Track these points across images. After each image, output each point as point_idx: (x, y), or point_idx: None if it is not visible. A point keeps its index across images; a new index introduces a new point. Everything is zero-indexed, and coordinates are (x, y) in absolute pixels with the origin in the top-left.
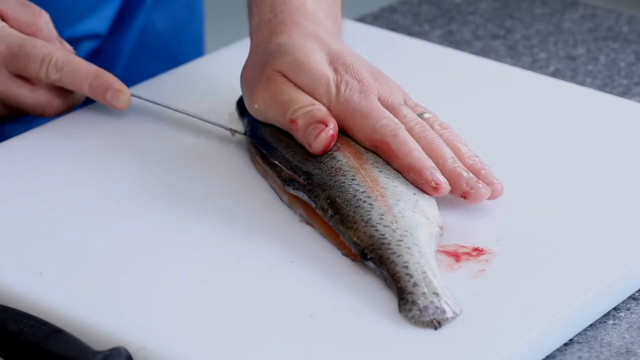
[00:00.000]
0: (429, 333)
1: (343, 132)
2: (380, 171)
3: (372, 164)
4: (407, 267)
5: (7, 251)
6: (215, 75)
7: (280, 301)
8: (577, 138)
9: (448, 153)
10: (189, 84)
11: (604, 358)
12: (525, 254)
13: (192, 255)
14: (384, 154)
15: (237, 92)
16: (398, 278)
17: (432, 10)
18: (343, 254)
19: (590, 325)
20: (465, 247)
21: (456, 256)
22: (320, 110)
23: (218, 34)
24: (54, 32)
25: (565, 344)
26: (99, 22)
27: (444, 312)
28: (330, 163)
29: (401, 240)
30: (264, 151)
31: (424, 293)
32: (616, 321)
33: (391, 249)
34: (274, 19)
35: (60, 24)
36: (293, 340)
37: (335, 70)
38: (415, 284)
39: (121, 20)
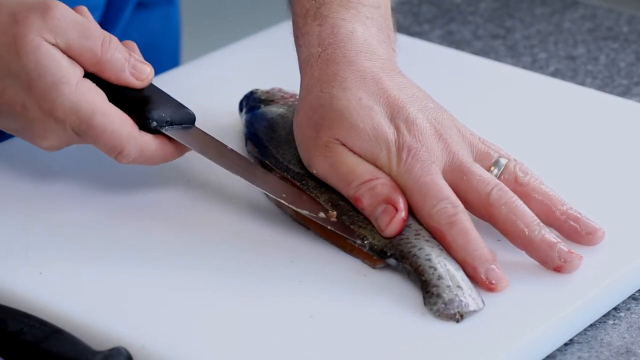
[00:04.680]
0: (428, 334)
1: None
2: None
3: None
4: (430, 259)
5: (7, 251)
6: (214, 76)
7: (280, 301)
8: (577, 138)
9: (531, 219)
10: (192, 84)
11: (604, 358)
12: (525, 254)
13: (191, 256)
14: (441, 242)
15: (227, 99)
16: (422, 271)
17: (432, 10)
18: (354, 256)
19: (590, 325)
20: None
21: None
22: (384, 185)
23: (194, 46)
24: (120, 63)
25: (565, 344)
26: None
27: (467, 305)
28: None
29: (418, 234)
30: (256, 149)
31: (449, 286)
32: (616, 321)
33: (411, 242)
34: (324, 53)
35: None
36: (293, 340)
37: (397, 130)
38: (439, 277)
39: None
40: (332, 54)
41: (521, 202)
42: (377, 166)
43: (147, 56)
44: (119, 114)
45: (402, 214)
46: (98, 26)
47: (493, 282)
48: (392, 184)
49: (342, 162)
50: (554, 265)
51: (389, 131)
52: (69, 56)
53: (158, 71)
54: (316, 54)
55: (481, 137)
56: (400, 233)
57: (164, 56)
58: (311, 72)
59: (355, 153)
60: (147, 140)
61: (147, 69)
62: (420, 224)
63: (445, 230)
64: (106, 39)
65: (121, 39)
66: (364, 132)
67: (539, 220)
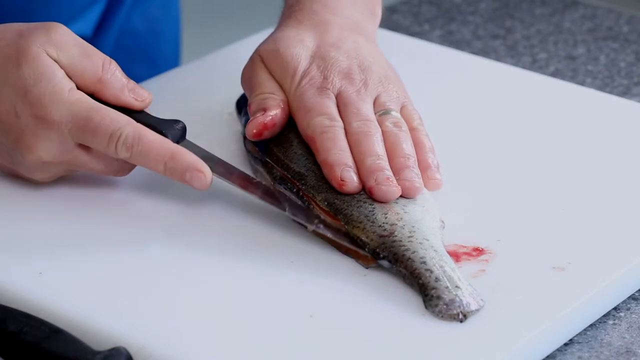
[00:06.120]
0: (428, 334)
1: None
2: None
3: None
4: (424, 262)
5: (7, 251)
6: (214, 76)
7: (280, 301)
8: (577, 138)
9: (374, 150)
10: (189, 84)
11: (604, 358)
12: (525, 254)
13: (191, 255)
14: (311, 148)
15: (230, 95)
16: (418, 274)
17: (432, 10)
18: (352, 257)
19: (590, 325)
20: (465, 247)
21: (456, 256)
22: (274, 99)
23: (194, 46)
24: (120, 83)
25: (565, 344)
26: (86, 24)
27: (469, 304)
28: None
29: (411, 236)
30: (255, 148)
31: (447, 287)
32: (616, 321)
33: (404, 245)
34: (296, 5)
35: None
36: (293, 340)
37: (310, 64)
38: (436, 279)
39: (104, 22)
40: (301, 7)
41: (374, 137)
42: (282, 89)
43: (148, 42)
44: (114, 109)
45: (260, 119)
46: (98, 50)
47: (344, 179)
48: (282, 103)
49: (256, 75)
50: (368, 185)
51: (303, 63)
52: (70, 74)
53: (159, 57)
54: (289, 5)
55: (405, 101)
56: (256, 136)
57: (164, 42)
58: (281, 19)
59: (270, 73)
60: (146, 128)
61: (146, 93)
62: (413, 225)
63: (317, 137)
64: (107, 59)
65: (123, 25)
66: (280, 56)
67: (379, 154)
